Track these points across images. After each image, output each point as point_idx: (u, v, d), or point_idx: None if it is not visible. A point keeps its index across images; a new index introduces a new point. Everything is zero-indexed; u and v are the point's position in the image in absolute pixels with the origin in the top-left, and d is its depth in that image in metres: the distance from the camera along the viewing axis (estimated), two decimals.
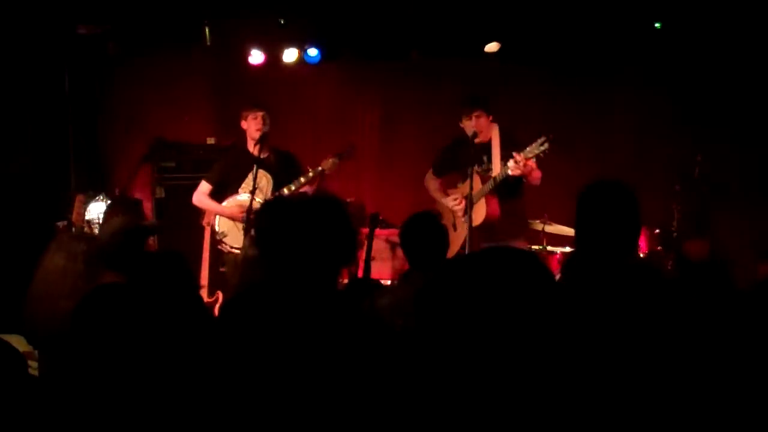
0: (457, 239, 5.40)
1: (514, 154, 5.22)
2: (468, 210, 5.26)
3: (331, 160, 5.59)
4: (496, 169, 5.50)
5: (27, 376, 2.11)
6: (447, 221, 5.20)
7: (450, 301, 1.72)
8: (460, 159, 5.62)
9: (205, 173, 6.01)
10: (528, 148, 5.20)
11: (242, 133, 5.78)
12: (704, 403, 2.27)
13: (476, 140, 5.44)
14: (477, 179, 5.49)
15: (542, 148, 5.16)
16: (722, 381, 2.32)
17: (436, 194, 5.79)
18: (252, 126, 5.64)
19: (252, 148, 5.66)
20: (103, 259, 3.23)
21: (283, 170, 5.66)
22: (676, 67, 6.80)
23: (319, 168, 5.58)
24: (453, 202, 5.59)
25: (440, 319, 1.72)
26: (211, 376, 2.23)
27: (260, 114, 5.63)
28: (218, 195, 5.80)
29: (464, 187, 5.54)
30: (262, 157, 5.59)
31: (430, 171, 5.88)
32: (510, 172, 5.27)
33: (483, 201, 5.47)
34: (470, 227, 5.21)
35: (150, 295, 2.25)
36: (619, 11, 6.39)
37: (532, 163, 5.20)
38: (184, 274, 3.25)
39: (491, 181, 5.42)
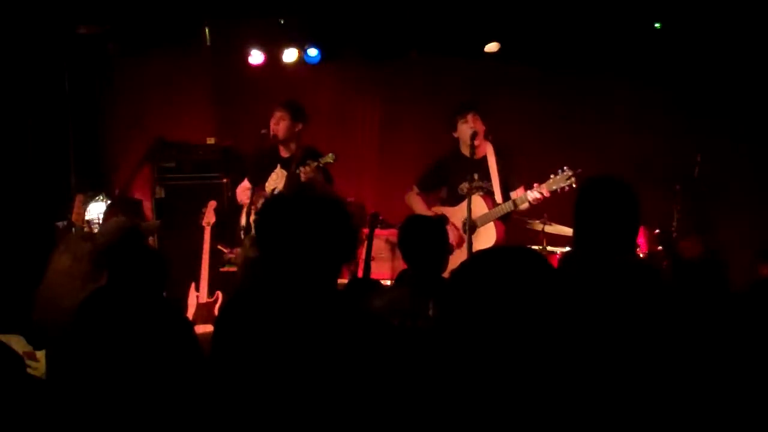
0: (454, 260, 5.33)
1: (535, 185, 5.22)
2: (468, 234, 5.20)
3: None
4: (497, 191, 5.50)
5: (25, 376, 2.11)
6: None
7: (467, 299, 1.72)
8: (453, 174, 5.60)
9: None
10: (551, 180, 5.18)
11: None
12: (699, 400, 2.28)
13: (472, 157, 5.43)
14: (477, 199, 5.47)
15: (567, 182, 5.13)
16: (715, 379, 2.32)
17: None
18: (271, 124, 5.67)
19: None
20: (103, 258, 3.24)
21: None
22: (676, 67, 6.79)
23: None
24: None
25: (458, 316, 1.72)
26: (212, 376, 2.23)
27: (276, 113, 5.66)
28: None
29: (457, 210, 5.51)
30: (284, 155, 5.64)
31: (414, 188, 5.83)
32: (531, 203, 5.27)
33: (492, 225, 5.45)
34: (470, 251, 5.14)
35: (143, 295, 2.25)
36: (619, 11, 6.38)
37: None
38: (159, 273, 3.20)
39: (503, 206, 5.40)
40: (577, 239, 2.87)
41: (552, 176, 5.23)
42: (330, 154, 5.51)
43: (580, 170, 5.14)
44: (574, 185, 5.11)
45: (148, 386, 1.98)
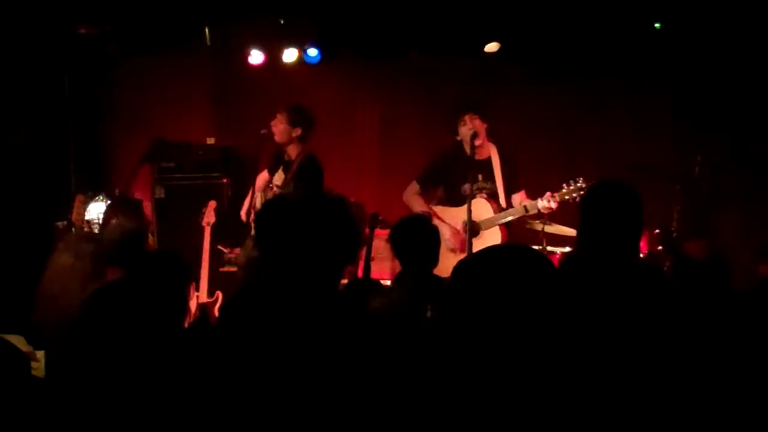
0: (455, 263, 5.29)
1: (548, 194, 5.18)
2: (468, 235, 5.17)
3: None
4: (501, 193, 5.47)
5: (29, 376, 2.11)
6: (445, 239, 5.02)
7: (467, 297, 1.72)
8: (454, 174, 5.57)
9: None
10: (564, 191, 5.14)
11: None
12: (700, 401, 2.28)
13: (473, 157, 5.41)
14: (482, 202, 5.45)
15: (581, 193, 5.04)
16: (719, 379, 2.32)
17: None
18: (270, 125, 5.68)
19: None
20: (107, 257, 3.26)
21: (297, 175, 5.61)
22: (676, 67, 6.80)
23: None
24: (448, 233, 5.36)
25: (458, 315, 1.72)
26: (212, 377, 2.23)
27: (276, 116, 5.65)
28: None
29: (460, 211, 5.47)
30: (286, 158, 5.64)
31: (415, 185, 5.78)
32: (541, 211, 5.23)
33: (497, 229, 5.42)
34: (470, 253, 5.11)
35: (152, 293, 2.25)
36: (619, 11, 6.39)
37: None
38: (182, 272, 3.28)
39: (513, 211, 5.37)
40: (581, 242, 2.87)
41: (565, 186, 5.17)
42: (291, 185, 5.51)
43: (594, 182, 5.08)
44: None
45: (152, 387, 1.98)
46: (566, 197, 5.16)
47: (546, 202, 5.19)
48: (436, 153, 5.91)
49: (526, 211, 5.33)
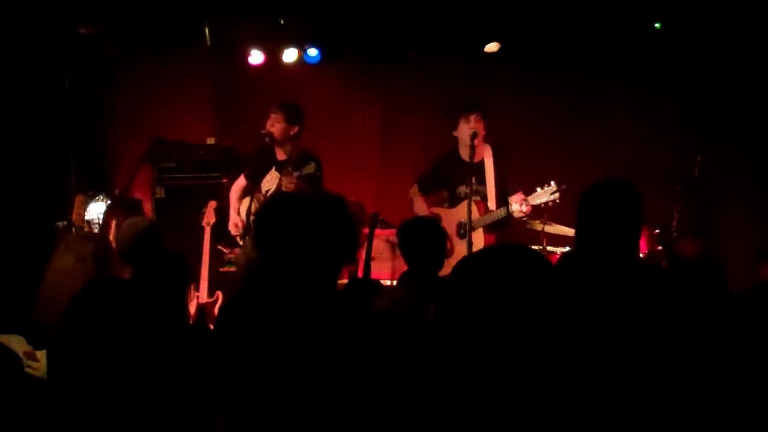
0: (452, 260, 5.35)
1: (521, 197, 5.20)
2: (468, 235, 5.18)
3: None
4: (491, 196, 5.48)
5: (23, 376, 2.10)
6: None
7: (465, 297, 1.72)
8: (451, 177, 5.58)
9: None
10: (536, 194, 5.16)
11: None
12: (698, 400, 2.28)
13: (471, 160, 5.39)
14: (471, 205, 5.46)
15: (552, 197, 5.10)
16: (716, 380, 2.32)
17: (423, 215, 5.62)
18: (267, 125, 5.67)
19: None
20: (121, 255, 3.27)
21: (299, 162, 5.59)
22: (676, 67, 6.80)
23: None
24: None
25: (457, 315, 1.73)
26: (211, 377, 2.23)
27: (271, 115, 5.63)
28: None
29: (451, 213, 5.52)
30: (279, 158, 5.62)
31: (415, 187, 5.80)
32: (515, 215, 5.25)
33: (480, 232, 5.42)
34: (470, 252, 5.13)
35: (150, 292, 2.24)
36: (619, 11, 6.39)
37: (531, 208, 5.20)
38: (183, 275, 3.28)
39: (497, 212, 5.37)
40: (579, 241, 2.86)
41: (538, 189, 5.20)
42: (311, 164, 5.49)
43: (564, 186, 5.11)
44: (557, 201, 5.11)
45: (153, 387, 1.98)
46: (537, 201, 5.17)
47: (518, 206, 5.20)
48: (434, 155, 5.91)
49: (508, 212, 5.34)
